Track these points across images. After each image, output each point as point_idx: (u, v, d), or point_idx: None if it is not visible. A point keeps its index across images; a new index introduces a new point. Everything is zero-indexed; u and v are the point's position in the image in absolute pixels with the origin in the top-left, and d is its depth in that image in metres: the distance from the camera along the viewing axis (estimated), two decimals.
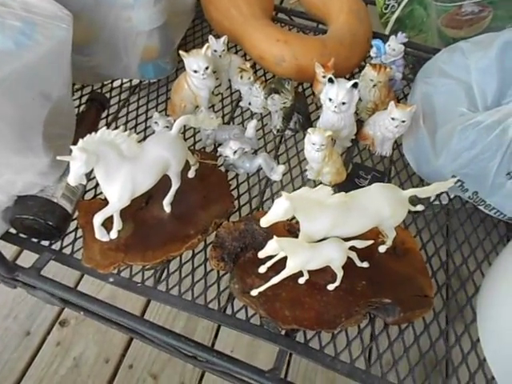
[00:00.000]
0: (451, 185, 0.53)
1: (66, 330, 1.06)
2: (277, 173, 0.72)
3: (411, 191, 0.52)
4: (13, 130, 0.53)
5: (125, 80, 0.89)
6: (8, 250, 1.03)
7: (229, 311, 0.59)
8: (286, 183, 0.73)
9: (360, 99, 0.74)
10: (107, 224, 0.61)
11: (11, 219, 0.61)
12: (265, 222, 0.48)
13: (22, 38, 0.54)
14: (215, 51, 0.79)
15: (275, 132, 0.80)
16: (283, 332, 0.55)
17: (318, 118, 0.81)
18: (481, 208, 0.69)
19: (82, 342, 1.04)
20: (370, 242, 0.52)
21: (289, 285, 0.55)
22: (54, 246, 0.66)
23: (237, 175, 0.74)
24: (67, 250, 0.65)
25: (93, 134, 0.48)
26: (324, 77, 0.75)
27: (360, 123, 0.77)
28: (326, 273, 0.56)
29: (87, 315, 0.65)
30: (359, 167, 0.74)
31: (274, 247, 0.48)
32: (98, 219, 0.56)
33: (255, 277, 0.56)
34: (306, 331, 0.55)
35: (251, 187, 0.73)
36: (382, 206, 0.51)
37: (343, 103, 0.66)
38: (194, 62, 0.71)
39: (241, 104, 0.85)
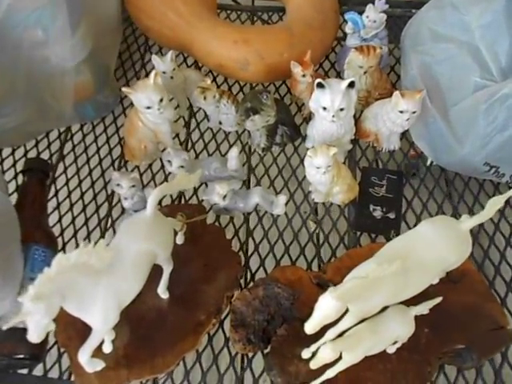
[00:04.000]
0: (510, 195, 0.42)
1: None
2: (278, 206, 0.60)
3: (471, 222, 0.41)
4: None
5: (62, 129, 0.72)
6: None
7: None
8: (292, 215, 0.61)
9: None
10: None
11: None
12: (311, 328, 0.36)
13: None
14: (164, 73, 0.64)
15: (260, 152, 0.67)
16: None
17: (304, 120, 0.69)
18: None
19: None
20: (439, 299, 0.41)
21: None
22: (35, 371, 0.52)
23: (231, 219, 0.61)
24: (53, 373, 0.52)
25: (45, 270, 0.34)
26: (304, 76, 0.62)
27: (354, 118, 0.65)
28: None
29: None
30: (370, 173, 0.63)
31: (330, 355, 0.36)
32: (84, 356, 0.42)
33: (298, 361, 0.45)
34: None
35: (252, 230, 0.60)
36: (443, 253, 0.40)
37: (341, 109, 0.53)
38: (144, 97, 0.56)
39: (209, 125, 0.71)
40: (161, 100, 0.57)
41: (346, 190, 0.58)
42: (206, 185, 0.62)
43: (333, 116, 0.53)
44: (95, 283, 0.38)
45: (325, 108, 0.53)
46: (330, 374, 0.40)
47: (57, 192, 0.65)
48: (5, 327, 0.33)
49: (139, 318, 0.51)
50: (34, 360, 0.49)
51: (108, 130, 0.72)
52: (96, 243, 0.37)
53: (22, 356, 0.48)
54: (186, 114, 0.72)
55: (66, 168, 0.68)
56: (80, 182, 0.67)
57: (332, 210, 0.61)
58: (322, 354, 0.37)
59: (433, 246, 0.40)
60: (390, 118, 0.58)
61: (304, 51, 0.62)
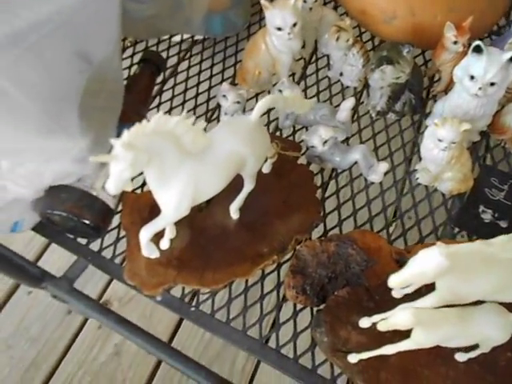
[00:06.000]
0: None
1: None
2: (377, 172, 0.54)
3: None
4: (40, 105, 0.39)
5: (185, 36, 0.72)
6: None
7: (307, 361, 0.44)
8: (386, 187, 0.55)
9: None
10: None
11: (41, 214, 0.49)
12: (397, 281, 0.31)
13: None
14: (305, 1, 0.60)
15: (374, 115, 0.61)
16: None
17: (433, 98, 0.62)
18: None
19: None
20: None
21: None
22: (92, 245, 0.53)
23: (321, 170, 0.57)
24: (107, 253, 0.52)
25: (144, 122, 0.32)
26: (455, 42, 0.54)
27: None
28: None
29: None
30: (490, 172, 0.55)
31: (407, 321, 0.31)
32: (145, 234, 0.41)
33: (352, 328, 0.41)
34: None
35: (340, 189, 0.56)
36: None
37: (491, 84, 0.46)
38: (279, 15, 0.53)
39: (329, 74, 0.66)
40: (294, 24, 0.54)
41: (459, 179, 0.51)
42: (307, 129, 0.59)
43: (479, 88, 0.46)
44: (180, 163, 0.36)
45: (473, 77, 0.46)
46: (388, 349, 0.35)
47: (161, 92, 0.66)
48: (91, 159, 0.32)
49: (203, 228, 0.49)
50: (95, 231, 0.50)
51: (227, 50, 0.70)
52: (196, 122, 0.35)
53: (87, 222, 0.48)
54: (307, 57, 0.68)
55: (176, 73, 0.68)
56: (185, 89, 0.66)
57: (433, 195, 0.54)
58: (398, 317, 0.32)
59: None
60: None
61: (462, 20, 0.55)
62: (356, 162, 0.55)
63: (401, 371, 0.39)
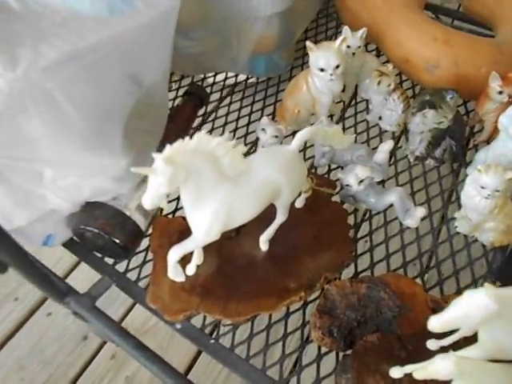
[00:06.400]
0: None
1: None
2: (413, 217, 0.53)
3: None
4: (88, 120, 0.41)
5: (230, 74, 0.75)
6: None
7: None
8: (423, 233, 0.53)
9: None
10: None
11: (74, 229, 0.49)
12: (437, 324, 0.29)
13: (118, 4, 0.42)
14: (348, 47, 0.61)
15: (412, 160, 0.60)
16: None
17: (474, 148, 0.61)
18: None
19: None
20: None
21: None
22: (118, 266, 0.53)
23: (355, 211, 0.55)
24: (132, 275, 0.52)
25: (186, 139, 0.33)
26: (500, 93, 0.54)
27: None
28: None
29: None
30: None
31: (448, 369, 0.29)
32: (174, 255, 0.41)
33: (380, 378, 0.38)
34: None
35: (373, 231, 0.54)
36: None
37: None
38: (323, 57, 0.55)
39: (367, 118, 0.66)
40: (337, 66, 0.55)
41: (501, 230, 0.49)
42: (342, 168, 0.58)
43: None
44: (217, 184, 0.36)
45: None
46: None
47: (202, 123, 0.68)
48: (132, 169, 0.33)
49: (231, 257, 0.48)
50: (123, 251, 0.50)
51: (269, 90, 0.73)
52: (236, 146, 0.36)
53: (117, 241, 0.49)
54: (347, 100, 0.69)
55: (218, 108, 0.71)
56: (225, 123, 0.68)
57: (472, 246, 0.52)
58: (438, 365, 0.29)
59: None
60: None
61: (507, 72, 0.55)
62: (391, 205, 0.54)
63: None
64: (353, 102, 0.69)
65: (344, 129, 0.66)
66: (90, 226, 0.48)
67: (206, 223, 0.38)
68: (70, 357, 0.93)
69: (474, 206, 0.48)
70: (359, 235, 0.53)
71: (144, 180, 0.51)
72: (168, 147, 0.32)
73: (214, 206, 0.37)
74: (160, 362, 0.44)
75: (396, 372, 0.36)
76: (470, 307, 0.28)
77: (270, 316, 0.47)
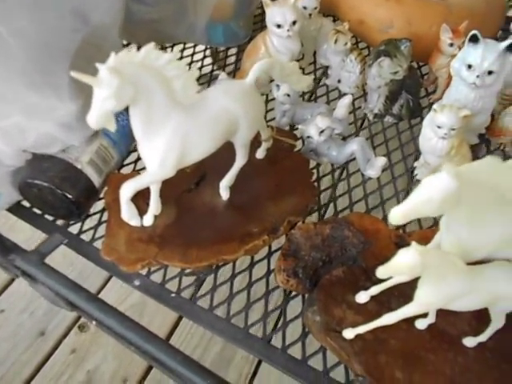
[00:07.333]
0: None
1: (84, 335, 0.90)
2: (374, 167, 0.53)
3: None
4: (30, 56, 0.38)
5: (188, 45, 0.74)
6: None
7: (296, 351, 0.39)
8: (384, 182, 0.53)
9: None
10: (141, 205, 0.44)
11: (20, 184, 0.46)
12: (399, 213, 0.28)
13: None
14: (304, 8, 0.62)
15: (371, 117, 0.61)
16: None
17: (430, 106, 0.62)
18: None
19: (100, 354, 0.87)
20: None
21: (401, 328, 0.35)
22: (71, 228, 0.50)
23: (317, 166, 0.55)
24: (87, 236, 0.49)
25: (133, 51, 0.31)
26: (451, 45, 0.55)
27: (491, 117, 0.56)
28: (459, 317, 0.35)
29: (100, 327, 0.48)
30: None
31: (411, 261, 0.28)
32: (126, 191, 0.39)
33: (347, 307, 0.37)
34: None
35: (337, 182, 0.54)
36: None
37: (489, 72, 0.46)
38: (279, 12, 0.55)
39: (327, 82, 0.67)
40: (294, 23, 0.55)
41: None
42: None
43: (477, 76, 0.46)
44: (169, 110, 0.35)
45: (470, 66, 0.46)
46: (389, 318, 0.31)
47: None
48: (72, 74, 0.30)
49: (190, 208, 0.46)
50: (76, 207, 0.47)
51: (227, 60, 0.72)
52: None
53: (69, 196, 0.45)
54: (306, 66, 0.69)
55: None
56: None
57: None
58: (401, 256, 0.28)
59: None
60: None
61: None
62: (353, 160, 0.53)
63: (403, 355, 0.34)
64: (312, 69, 0.69)
65: (303, 93, 0.66)
66: (38, 180, 0.45)
67: (160, 155, 0.36)
68: (24, 354, 0.87)
69: (432, 149, 0.48)
70: (322, 187, 0.53)
71: (97, 134, 0.49)
72: (113, 56, 0.30)
73: (167, 136, 0.35)
74: (120, 314, 0.41)
75: (362, 297, 0.35)
76: (431, 189, 0.28)
77: (234, 266, 0.45)
